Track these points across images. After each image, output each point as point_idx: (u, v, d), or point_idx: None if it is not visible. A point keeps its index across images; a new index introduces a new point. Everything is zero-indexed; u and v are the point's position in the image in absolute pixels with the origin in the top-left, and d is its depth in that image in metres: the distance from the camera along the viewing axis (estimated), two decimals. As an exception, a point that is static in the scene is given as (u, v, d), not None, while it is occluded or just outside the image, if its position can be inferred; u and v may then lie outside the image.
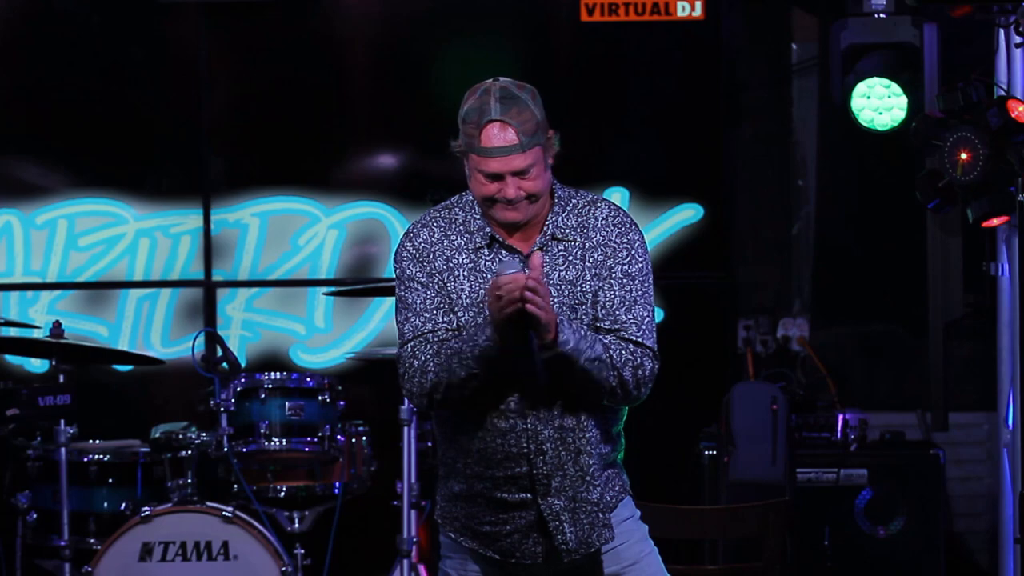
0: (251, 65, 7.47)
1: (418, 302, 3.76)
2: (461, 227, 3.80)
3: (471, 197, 3.82)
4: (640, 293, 3.78)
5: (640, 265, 3.80)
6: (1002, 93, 6.04)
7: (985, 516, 7.22)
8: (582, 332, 3.68)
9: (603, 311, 3.76)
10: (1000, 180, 5.94)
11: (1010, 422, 6.22)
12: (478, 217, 3.80)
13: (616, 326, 3.75)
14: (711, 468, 6.66)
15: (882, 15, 6.19)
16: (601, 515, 3.80)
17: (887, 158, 6.93)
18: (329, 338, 7.40)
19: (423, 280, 3.77)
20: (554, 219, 3.80)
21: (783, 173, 7.82)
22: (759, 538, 5.11)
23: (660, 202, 7.37)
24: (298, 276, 7.42)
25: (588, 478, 3.77)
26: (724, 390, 6.66)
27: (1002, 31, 6.10)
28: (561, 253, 3.78)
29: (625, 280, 3.77)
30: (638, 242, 3.82)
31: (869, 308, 7.51)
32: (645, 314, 3.78)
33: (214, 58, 7.37)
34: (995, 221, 6.07)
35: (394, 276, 3.84)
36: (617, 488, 3.88)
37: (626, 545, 3.87)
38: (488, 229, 3.78)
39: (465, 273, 3.77)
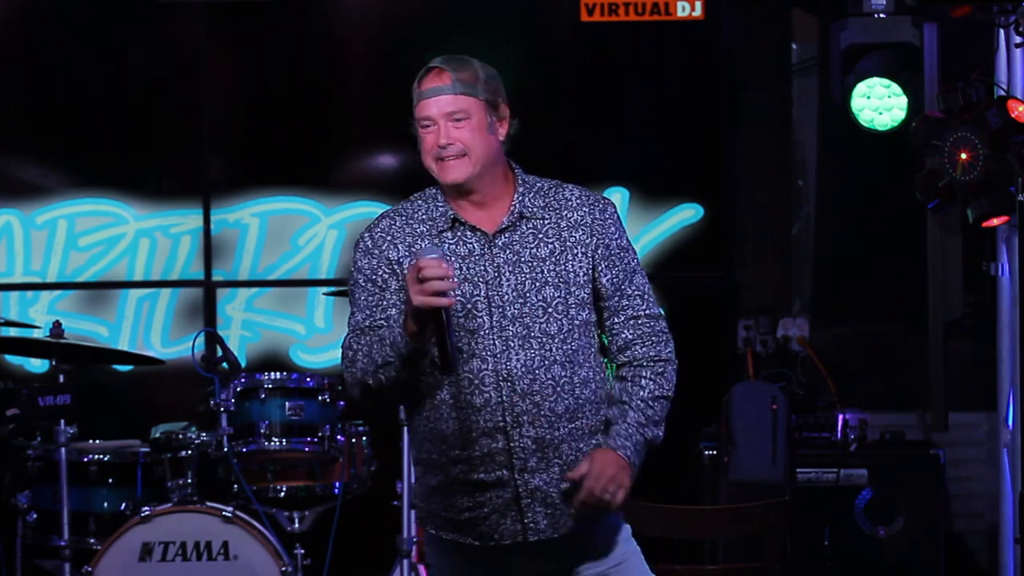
0: (251, 65, 7.47)
1: (361, 299, 3.83)
2: (424, 215, 3.86)
3: (434, 190, 3.90)
4: (636, 262, 3.94)
5: (626, 237, 3.95)
6: (1002, 93, 6.04)
7: (985, 516, 7.22)
8: (638, 436, 3.83)
9: (611, 287, 3.86)
10: (1000, 180, 5.95)
11: (1010, 422, 6.23)
12: (441, 204, 3.87)
13: (624, 301, 3.87)
14: (711, 468, 6.66)
15: (882, 15, 6.20)
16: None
17: (887, 158, 6.93)
18: (329, 338, 7.40)
19: (367, 274, 3.83)
20: (520, 199, 3.87)
21: (783, 173, 7.82)
22: (759, 538, 5.11)
23: (660, 202, 7.37)
24: (298, 276, 7.42)
25: (566, 466, 3.79)
26: (724, 390, 6.66)
27: (1002, 31, 6.11)
28: (531, 231, 3.83)
29: (622, 253, 3.90)
30: (617, 215, 3.95)
31: (869, 308, 7.51)
32: (644, 280, 3.94)
33: (214, 58, 7.37)
34: (995, 221, 6.08)
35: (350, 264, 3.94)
36: None
37: (608, 543, 3.89)
38: (451, 212, 3.84)
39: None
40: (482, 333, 3.75)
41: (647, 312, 3.89)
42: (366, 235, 3.88)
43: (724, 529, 5.58)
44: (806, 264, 7.74)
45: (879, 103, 6.29)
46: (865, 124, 6.32)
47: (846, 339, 7.55)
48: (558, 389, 3.77)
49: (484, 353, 3.76)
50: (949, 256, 6.60)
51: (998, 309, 6.36)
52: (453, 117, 3.80)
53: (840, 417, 6.81)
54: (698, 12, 7.25)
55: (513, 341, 3.75)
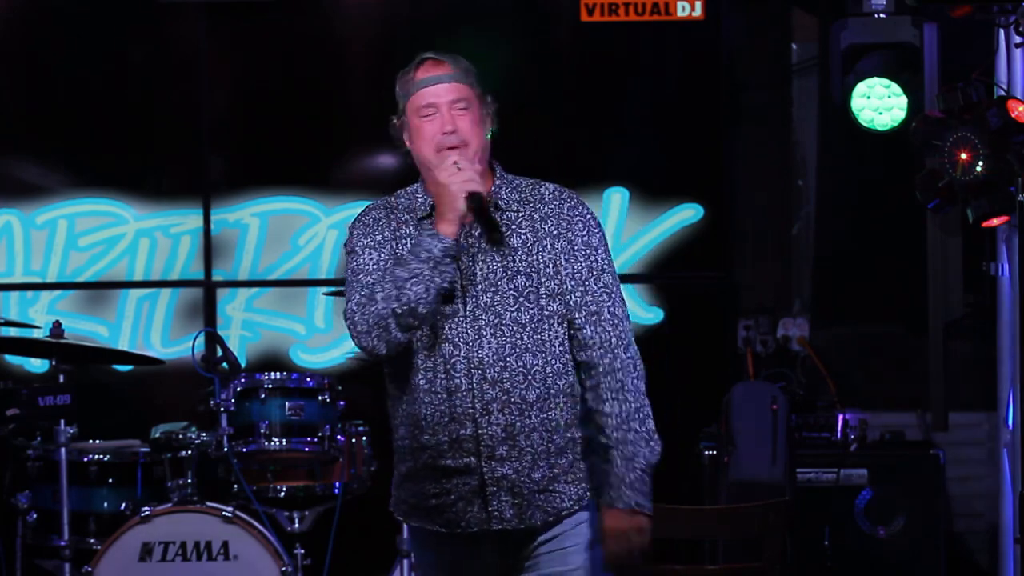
0: (251, 65, 7.47)
1: (370, 264, 3.83)
2: (404, 207, 3.91)
3: (414, 186, 3.95)
4: (606, 262, 3.89)
5: (599, 236, 3.91)
6: (1002, 93, 6.04)
7: (985, 516, 7.21)
8: (631, 475, 3.83)
9: (572, 283, 3.85)
10: (1000, 180, 5.94)
11: (1010, 422, 6.23)
12: (420, 195, 3.90)
13: (588, 297, 3.84)
14: (711, 468, 6.66)
15: (882, 15, 6.19)
16: (540, 496, 3.84)
17: (887, 158, 6.93)
18: (329, 338, 7.40)
19: (373, 245, 3.85)
20: (497, 191, 3.89)
21: (783, 173, 7.81)
22: (759, 538, 5.11)
23: (660, 202, 7.37)
24: (298, 276, 7.42)
25: (536, 456, 3.82)
26: (724, 390, 6.66)
27: (1002, 31, 6.11)
28: (505, 222, 3.86)
29: (588, 250, 3.87)
30: (590, 215, 3.92)
31: (869, 308, 7.50)
32: (614, 282, 3.90)
33: (214, 58, 7.37)
34: (995, 221, 6.07)
35: (344, 260, 3.91)
36: (580, 483, 3.90)
37: (576, 548, 3.90)
38: (430, 200, 3.85)
39: (412, 240, 3.83)
40: (456, 319, 3.80)
41: (611, 310, 3.86)
42: (358, 223, 3.92)
43: (724, 529, 5.58)
44: (806, 264, 7.73)
45: (879, 103, 6.28)
46: (865, 124, 6.32)
47: (846, 339, 7.55)
48: (529, 377, 3.80)
49: (457, 339, 3.80)
50: (949, 256, 6.60)
51: (998, 309, 6.36)
52: (456, 105, 3.84)
53: (840, 417, 6.81)
54: (698, 12, 7.25)
55: (485, 329, 3.79)
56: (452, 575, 3.94)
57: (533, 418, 3.81)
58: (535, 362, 3.81)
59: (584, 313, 3.86)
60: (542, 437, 3.82)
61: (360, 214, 3.94)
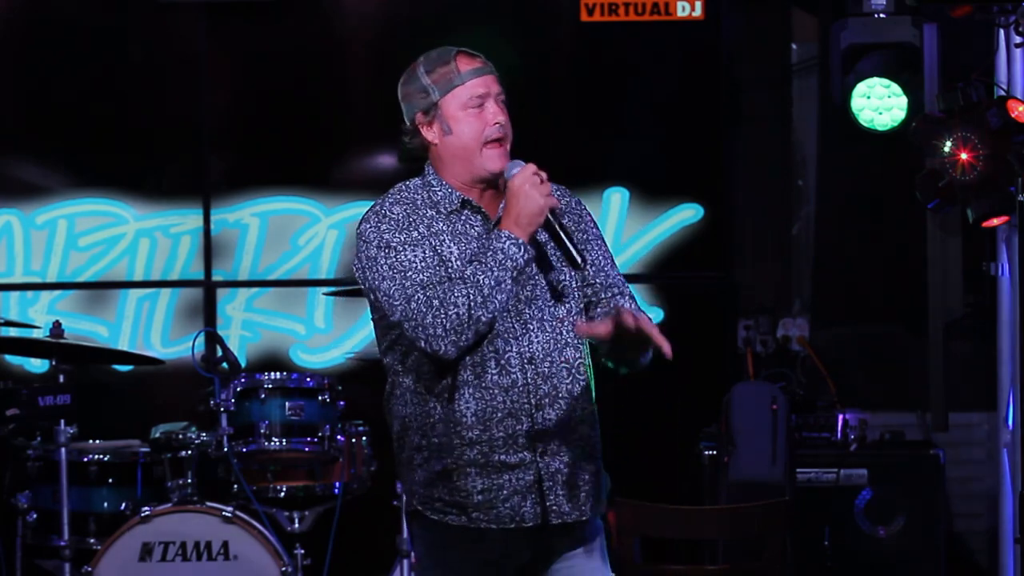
0: (251, 65, 7.47)
1: (417, 262, 3.74)
2: (424, 202, 3.84)
3: (418, 180, 3.89)
4: (611, 254, 3.97)
5: (599, 230, 3.99)
6: (1002, 93, 6.04)
7: (985, 516, 7.22)
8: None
9: (593, 269, 3.88)
10: (1000, 180, 5.94)
11: (1010, 422, 6.23)
12: (438, 189, 3.85)
13: (610, 280, 3.90)
14: (711, 468, 6.66)
15: (882, 15, 6.19)
16: (595, 487, 3.86)
17: (887, 158, 6.93)
18: (329, 338, 7.40)
19: (411, 242, 3.77)
20: None
21: (783, 173, 7.82)
22: (759, 538, 5.11)
23: (660, 202, 7.37)
24: (298, 276, 7.42)
25: (584, 447, 3.83)
26: (724, 390, 6.66)
27: (1002, 31, 6.11)
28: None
29: (600, 241, 3.95)
30: (589, 212, 4.00)
31: (869, 308, 7.51)
32: (619, 273, 3.99)
33: (214, 58, 7.37)
34: (995, 221, 6.07)
35: (369, 253, 3.78)
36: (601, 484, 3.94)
37: (594, 530, 3.93)
38: (457, 194, 3.83)
39: (449, 237, 3.80)
40: (501, 315, 3.76)
41: (630, 294, 3.93)
42: (384, 218, 3.81)
43: (724, 529, 5.58)
44: (806, 264, 7.74)
45: (879, 103, 6.28)
46: (865, 124, 6.31)
47: (846, 339, 7.55)
48: (572, 371, 3.82)
49: (507, 335, 3.78)
50: (949, 256, 6.60)
51: (998, 309, 6.37)
52: (500, 98, 3.83)
53: (840, 417, 6.82)
54: (698, 12, 7.25)
55: (531, 323, 3.79)
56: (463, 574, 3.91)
57: (579, 411, 3.82)
58: (576, 355, 3.83)
59: (609, 294, 3.89)
60: (589, 428, 3.85)
61: (381, 210, 3.84)
